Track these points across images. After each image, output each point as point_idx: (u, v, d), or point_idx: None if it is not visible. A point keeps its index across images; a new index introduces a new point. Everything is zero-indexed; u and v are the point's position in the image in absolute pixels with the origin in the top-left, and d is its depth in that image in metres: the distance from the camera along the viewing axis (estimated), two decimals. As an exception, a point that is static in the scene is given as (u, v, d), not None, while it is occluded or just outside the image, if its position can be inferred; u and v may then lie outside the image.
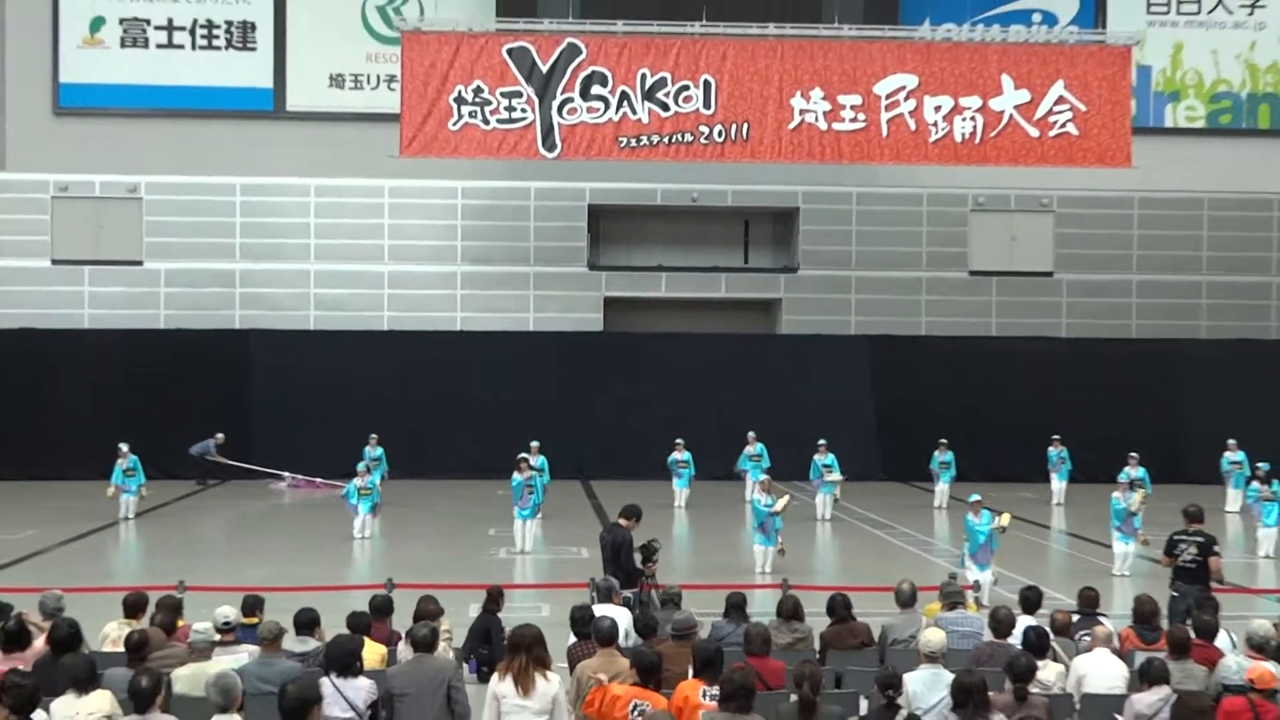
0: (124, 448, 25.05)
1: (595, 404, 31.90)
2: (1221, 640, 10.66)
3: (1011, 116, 30.10)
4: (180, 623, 10.74)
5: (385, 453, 27.73)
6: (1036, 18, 34.88)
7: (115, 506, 24.82)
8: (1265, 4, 36.04)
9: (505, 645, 8.85)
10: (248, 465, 30.59)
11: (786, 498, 19.85)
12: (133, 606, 10.86)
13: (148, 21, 34.29)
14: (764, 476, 21.45)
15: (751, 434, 27.70)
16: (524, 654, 8.47)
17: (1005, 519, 17.23)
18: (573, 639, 10.43)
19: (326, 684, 8.69)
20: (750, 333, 35.12)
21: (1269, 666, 9.34)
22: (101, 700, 8.44)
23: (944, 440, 27.56)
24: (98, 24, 34.21)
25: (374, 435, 27.56)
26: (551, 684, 8.48)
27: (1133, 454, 25.08)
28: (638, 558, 14.08)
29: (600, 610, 10.67)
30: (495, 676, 8.61)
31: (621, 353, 33.06)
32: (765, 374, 32.27)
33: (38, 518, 24.54)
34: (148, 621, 10.52)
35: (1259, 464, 23.28)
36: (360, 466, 25.32)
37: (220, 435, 30.22)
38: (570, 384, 31.83)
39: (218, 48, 34.42)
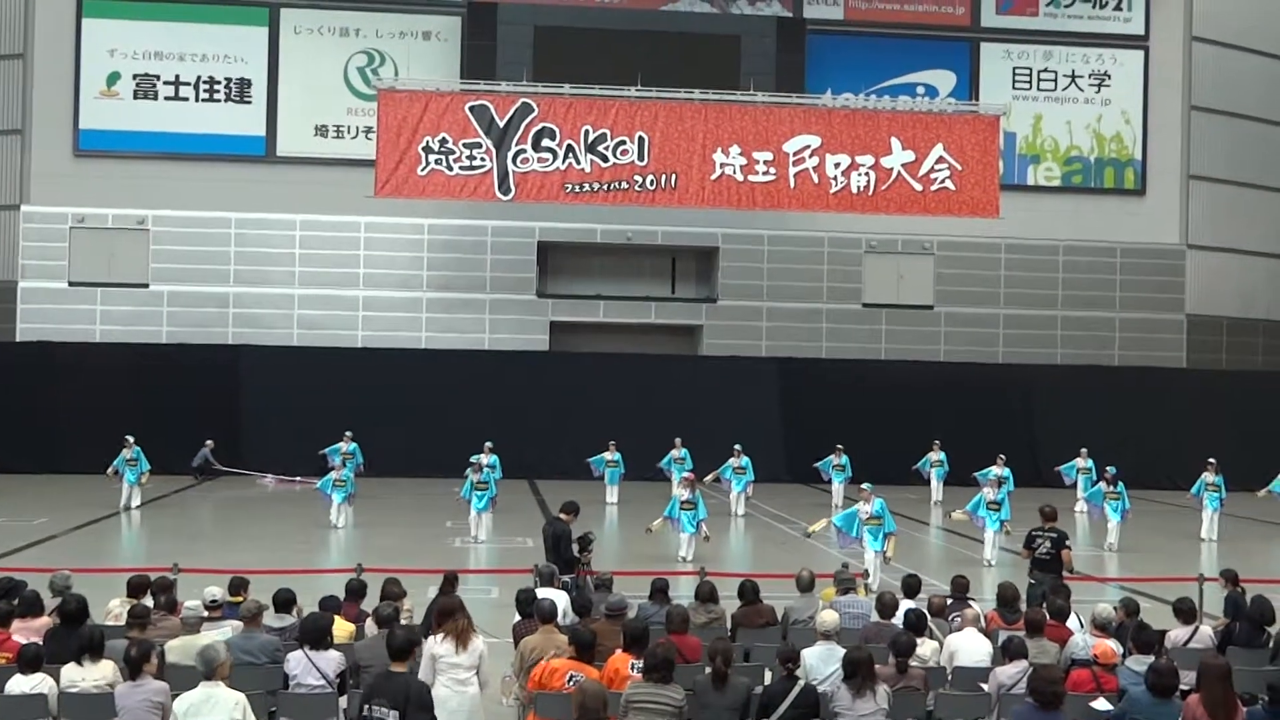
0: (129, 439, 24.64)
1: (541, 413, 31.62)
2: (1071, 621, 10.72)
3: (899, 173, 30.36)
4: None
5: (359, 447, 27.38)
6: (920, 90, 35.27)
7: (118, 496, 24.32)
8: (1110, 85, 36.67)
9: (436, 614, 8.73)
10: (237, 470, 30.11)
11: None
12: (136, 587, 10.65)
13: (157, 77, 33.83)
14: (685, 475, 21.50)
15: (677, 440, 27.65)
16: (460, 618, 8.39)
17: (818, 525, 18.00)
18: (518, 617, 10.32)
19: (300, 655, 8.55)
20: (676, 353, 35.14)
21: (1110, 644, 9.43)
22: (105, 668, 8.31)
23: (840, 446, 27.57)
24: (114, 78, 33.69)
25: (349, 433, 27.20)
26: (479, 643, 8.40)
27: (1001, 455, 25.26)
28: (575, 547, 13.98)
29: (542, 593, 10.55)
30: (432, 639, 8.46)
31: (565, 369, 32.88)
32: (688, 389, 32.20)
33: (50, 507, 24.01)
34: (151, 602, 10.31)
35: (1107, 468, 23.52)
36: (335, 458, 25.09)
37: (210, 442, 29.82)
38: (520, 396, 31.56)
39: (218, 100, 34.00)
